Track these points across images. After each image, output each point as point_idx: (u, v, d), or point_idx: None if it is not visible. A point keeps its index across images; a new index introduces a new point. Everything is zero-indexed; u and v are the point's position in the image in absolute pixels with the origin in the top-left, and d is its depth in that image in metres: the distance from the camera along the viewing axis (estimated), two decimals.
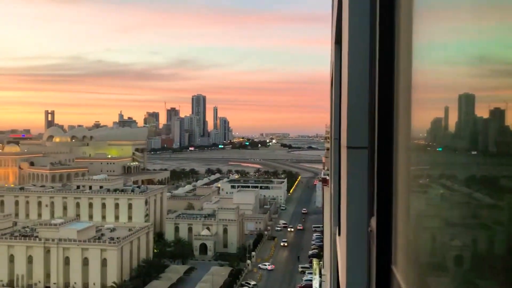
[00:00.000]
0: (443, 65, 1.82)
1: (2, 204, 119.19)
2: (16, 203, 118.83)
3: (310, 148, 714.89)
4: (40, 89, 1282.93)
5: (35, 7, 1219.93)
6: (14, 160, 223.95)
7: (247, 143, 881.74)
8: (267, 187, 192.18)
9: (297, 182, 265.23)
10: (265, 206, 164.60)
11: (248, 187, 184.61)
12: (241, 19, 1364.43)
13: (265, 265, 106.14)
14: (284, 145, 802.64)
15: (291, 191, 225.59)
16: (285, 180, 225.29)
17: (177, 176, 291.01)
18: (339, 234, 5.70)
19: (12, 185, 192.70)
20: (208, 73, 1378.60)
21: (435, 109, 1.94)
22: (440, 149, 1.99)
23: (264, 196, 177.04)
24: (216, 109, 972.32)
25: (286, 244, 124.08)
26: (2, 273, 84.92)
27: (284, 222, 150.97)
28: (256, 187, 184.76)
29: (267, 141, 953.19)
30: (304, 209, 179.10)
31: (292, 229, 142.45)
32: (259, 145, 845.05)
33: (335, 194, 8.01)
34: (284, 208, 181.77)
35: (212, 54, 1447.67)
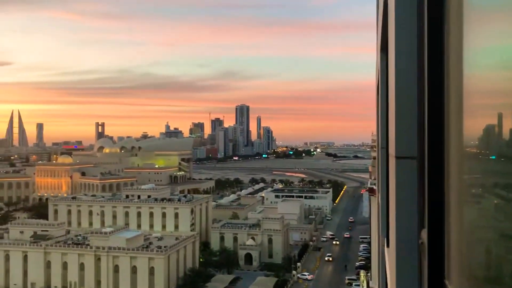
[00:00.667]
0: (495, 69, 1.77)
1: (56, 213, 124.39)
2: (69, 212, 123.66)
3: (355, 157, 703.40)
4: (90, 102, 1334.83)
5: (85, 24, 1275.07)
6: (66, 171, 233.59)
7: (291, 152, 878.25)
8: (312, 197, 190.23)
9: (342, 192, 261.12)
10: (310, 216, 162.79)
11: (293, 196, 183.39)
12: (284, 29, 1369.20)
13: (305, 275, 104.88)
14: (329, 154, 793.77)
15: (336, 201, 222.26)
16: (331, 189, 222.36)
17: (222, 186, 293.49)
18: (388, 246, 5.53)
19: (65, 195, 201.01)
20: (252, 84, 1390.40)
21: (488, 115, 1.86)
22: (493, 157, 1.92)
23: (309, 206, 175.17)
24: (260, 119, 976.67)
25: (331, 258, 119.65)
26: (56, 279, 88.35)
27: (331, 233, 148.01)
28: (301, 196, 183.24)
29: (311, 150, 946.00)
30: (351, 217, 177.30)
31: (338, 242, 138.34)
32: (303, 154, 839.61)
33: (382, 204, 7.80)
34: (329, 218, 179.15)
35: (257, 65, 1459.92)
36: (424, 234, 2.85)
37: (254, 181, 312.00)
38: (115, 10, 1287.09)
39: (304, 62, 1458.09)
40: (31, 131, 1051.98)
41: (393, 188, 3.88)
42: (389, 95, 4.67)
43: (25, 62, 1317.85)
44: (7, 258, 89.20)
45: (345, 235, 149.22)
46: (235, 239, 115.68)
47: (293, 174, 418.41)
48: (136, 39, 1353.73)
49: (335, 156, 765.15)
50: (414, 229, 3.52)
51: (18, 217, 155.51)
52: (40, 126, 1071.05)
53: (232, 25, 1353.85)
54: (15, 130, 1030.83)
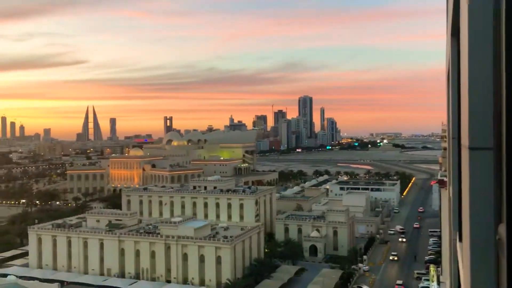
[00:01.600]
0: None
1: (128, 203, 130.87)
2: (140, 202, 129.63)
3: (424, 148, 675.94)
4: (159, 97, 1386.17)
5: (152, 22, 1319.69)
6: (138, 163, 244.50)
7: (356, 144, 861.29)
8: (378, 189, 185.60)
9: (411, 184, 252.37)
10: (376, 209, 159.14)
11: (358, 189, 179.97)
12: (348, 18, 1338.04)
13: (359, 266, 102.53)
14: (396, 145, 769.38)
15: (404, 193, 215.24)
16: (398, 181, 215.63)
17: (285, 177, 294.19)
18: (460, 240, 5.27)
19: (137, 186, 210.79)
20: (315, 75, 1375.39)
21: None
22: None
23: (376, 198, 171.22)
24: (323, 110, 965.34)
25: (396, 258, 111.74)
26: (130, 266, 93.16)
27: (400, 227, 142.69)
28: (367, 189, 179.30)
29: (378, 141, 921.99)
30: (421, 207, 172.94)
31: (405, 240, 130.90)
32: (369, 146, 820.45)
33: (454, 197, 7.45)
34: (397, 211, 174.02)
35: (319, 56, 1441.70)
36: (502, 229, 2.75)
37: (318, 173, 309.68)
38: (180, 7, 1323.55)
39: (369, 51, 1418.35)
40: (105, 126, 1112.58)
41: (466, 181, 3.68)
42: (461, 82, 4.42)
43: (99, 60, 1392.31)
44: (85, 245, 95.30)
45: (415, 225, 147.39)
46: (300, 230, 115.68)
47: (359, 166, 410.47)
48: (200, 35, 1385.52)
49: (402, 147, 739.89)
50: (491, 224, 3.43)
51: (95, 207, 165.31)
52: (113, 121, 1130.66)
53: (293, 17, 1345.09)
54: (90, 125, 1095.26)
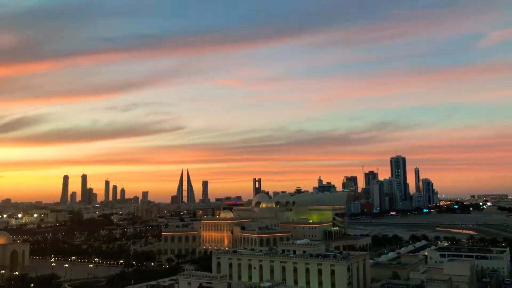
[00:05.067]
0: None
1: (218, 265, 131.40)
2: (230, 265, 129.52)
3: None
4: (248, 159, 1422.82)
5: (244, 89, 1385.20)
6: (228, 225, 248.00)
7: (456, 207, 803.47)
8: (484, 257, 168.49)
9: None
10: (483, 279, 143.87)
11: (461, 256, 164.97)
12: (444, 75, 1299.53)
13: None
14: (502, 208, 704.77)
15: None
16: (508, 249, 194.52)
17: (379, 242, 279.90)
18: None
19: (226, 248, 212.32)
20: (408, 134, 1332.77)
21: None
22: None
23: (482, 267, 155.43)
24: (418, 170, 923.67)
25: None
26: None
27: None
28: (471, 256, 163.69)
29: (480, 203, 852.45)
30: None
31: None
32: (471, 209, 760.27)
33: None
34: (508, 282, 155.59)
35: (412, 115, 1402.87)
36: None
37: (415, 238, 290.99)
38: (273, 74, 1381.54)
39: (467, 108, 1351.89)
40: (197, 188, 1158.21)
41: None
42: None
43: (194, 126, 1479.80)
44: None
45: None
46: None
47: (460, 231, 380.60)
48: (290, 99, 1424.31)
49: (509, 210, 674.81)
50: None
51: (186, 269, 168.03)
52: (205, 184, 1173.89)
53: (385, 77, 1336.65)
54: (184, 187, 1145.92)
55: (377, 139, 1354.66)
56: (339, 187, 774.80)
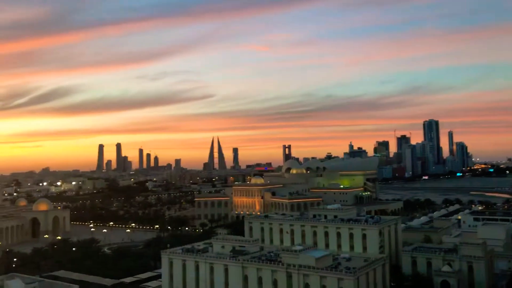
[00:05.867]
0: None
1: (250, 230, 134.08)
2: (262, 229, 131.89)
3: None
4: (278, 126, 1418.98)
5: (275, 54, 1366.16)
6: (259, 191, 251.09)
7: (491, 170, 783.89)
8: None
9: None
10: None
11: (496, 220, 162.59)
12: (478, 34, 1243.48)
13: None
14: None
15: None
16: None
17: (411, 207, 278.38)
18: None
19: (258, 213, 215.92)
20: (441, 97, 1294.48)
21: None
22: None
23: None
24: (452, 134, 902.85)
25: None
26: None
27: None
28: (506, 220, 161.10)
29: None
30: None
31: None
32: (507, 172, 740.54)
33: None
34: None
35: (445, 76, 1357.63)
36: None
37: (448, 202, 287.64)
38: (301, 38, 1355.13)
39: (505, 68, 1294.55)
40: (228, 155, 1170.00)
41: None
42: None
43: (224, 93, 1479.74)
44: (211, 270, 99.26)
45: None
46: (429, 264, 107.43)
47: (495, 195, 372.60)
48: (321, 63, 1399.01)
49: None
50: None
51: (219, 233, 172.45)
52: (235, 151, 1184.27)
53: (415, 37, 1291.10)
54: (215, 155, 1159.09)
55: (409, 103, 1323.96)
56: (370, 152, 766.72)
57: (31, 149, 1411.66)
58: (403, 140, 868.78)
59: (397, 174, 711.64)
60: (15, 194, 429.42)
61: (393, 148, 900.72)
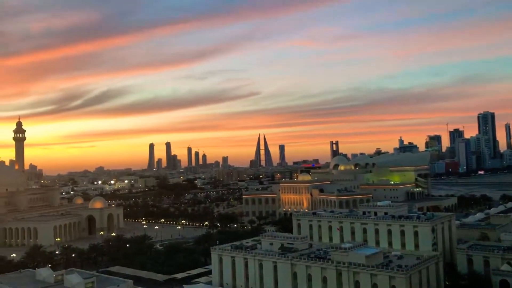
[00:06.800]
0: None
1: (299, 227, 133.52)
2: (310, 226, 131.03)
3: None
4: (325, 122, 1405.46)
5: (319, 48, 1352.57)
6: (306, 188, 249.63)
7: None
8: None
9: None
10: None
11: None
12: None
13: None
14: None
15: None
16: None
17: (466, 203, 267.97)
18: None
19: (306, 210, 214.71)
20: (496, 88, 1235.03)
21: None
22: None
23: None
24: (509, 126, 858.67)
25: None
26: None
27: None
28: None
29: None
30: None
31: None
32: None
33: None
34: None
35: (499, 66, 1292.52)
36: None
37: (505, 198, 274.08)
38: (346, 31, 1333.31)
39: None
40: (274, 152, 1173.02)
41: None
42: None
43: (269, 90, 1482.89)
44: (260, 266, 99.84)
45: None
46: (486, 263, 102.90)
47: None
48: (367, 56, 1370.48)
49: None
50: None
51: (268, 230, 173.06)
52: (282, 147, 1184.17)
53: (466, 28, 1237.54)
54: (262, 152, 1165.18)
55: (462, 95, 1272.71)
56: (421, 147, 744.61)
57: (85, 149, 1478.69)
58: (456, 134, 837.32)
59: (450, 169, 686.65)
60: (71, 192, 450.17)
61: (445, 142, 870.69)
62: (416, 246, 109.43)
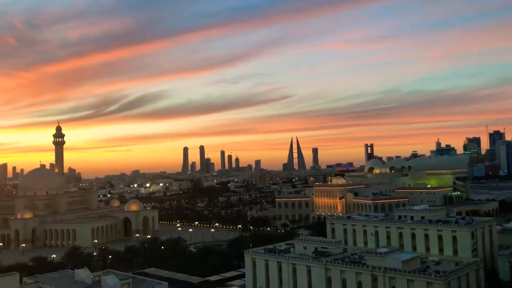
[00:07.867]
0: None
1: (333, 231, 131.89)
2: (344, 231, 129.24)
3: None
4: (359, 124, 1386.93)
5: (352, 51, 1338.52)
6: (340, 191, 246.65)
7: None
8: None
9: None
10: None
11: None
12: None
13: None
14: None
15: None
16: None
17: (508, 207, 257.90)
18: None
19: (340, 214, 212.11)
20: None
21: None
22: None
23: None
24: None
25: None
26: None
27: None
28: None
29: None
30: None
31: None
32: None
33: None
34: None
35: None
36: None
37: None
38: (378, 33, 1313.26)
39: None
40: (307, 155, 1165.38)
41: None
42: None
43: (302, 94, 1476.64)
44: (294, 271, 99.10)
45: None
46: None
47: None
48: (401, 58, 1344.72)
49: None
50: None
51: (301, 234, 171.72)
52: (315, 151, 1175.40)
53: (505, 26, 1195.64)
54: (295, 155, 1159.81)
55: (502, 96, 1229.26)
56: (459, 150, 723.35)
57: (122, 153, 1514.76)
58: (496, 136, 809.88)
59: (490, 173, 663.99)
60: (108, 195, 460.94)
61: (484, 145, 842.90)
62: (455, 251, 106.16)
